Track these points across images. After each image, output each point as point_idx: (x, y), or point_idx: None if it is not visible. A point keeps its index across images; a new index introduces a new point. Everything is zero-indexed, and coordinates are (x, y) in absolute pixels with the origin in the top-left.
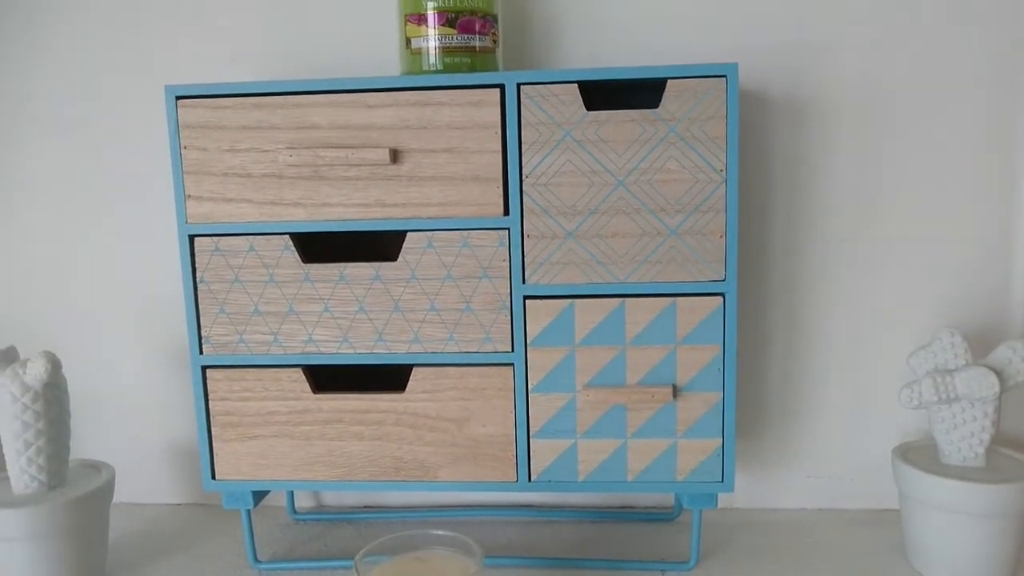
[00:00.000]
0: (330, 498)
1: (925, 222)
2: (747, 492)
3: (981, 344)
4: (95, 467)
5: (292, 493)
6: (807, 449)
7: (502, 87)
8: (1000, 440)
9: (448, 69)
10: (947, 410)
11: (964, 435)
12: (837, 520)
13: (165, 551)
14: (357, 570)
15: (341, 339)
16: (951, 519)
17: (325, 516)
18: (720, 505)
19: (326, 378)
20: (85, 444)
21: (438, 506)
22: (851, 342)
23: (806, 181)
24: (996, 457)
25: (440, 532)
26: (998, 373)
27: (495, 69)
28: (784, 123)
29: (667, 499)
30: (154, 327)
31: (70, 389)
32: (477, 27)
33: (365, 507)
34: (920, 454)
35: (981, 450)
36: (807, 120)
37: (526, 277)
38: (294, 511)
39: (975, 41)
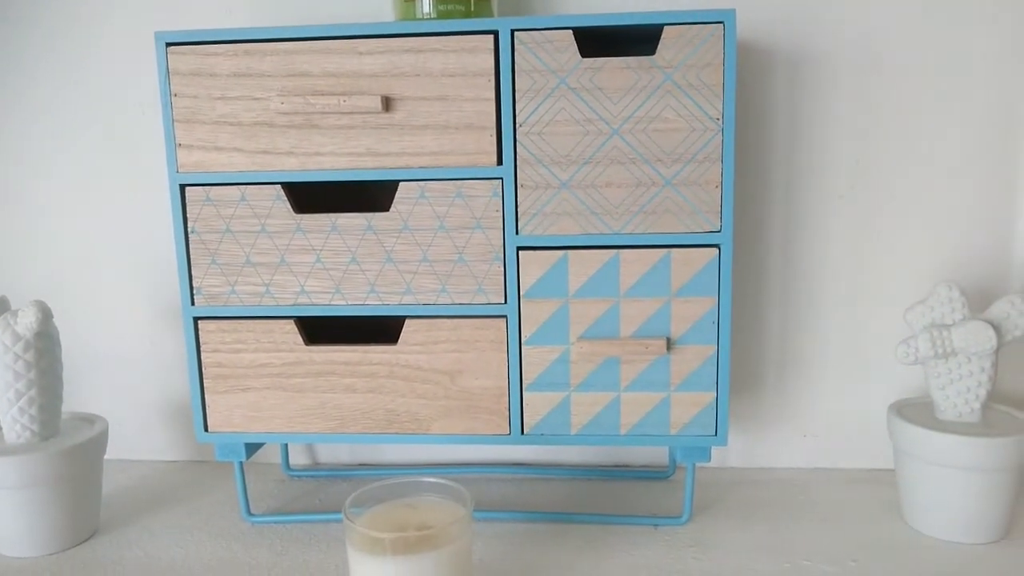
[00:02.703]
0: (324, 455)
1: (925, 177)
2: (742, 451)
3: (980, 299)
4: (88, 419)
5: (287, 449)
6: (803, 408)
7: (496, 33)
8: (996, 398)
9: (442, 17)
10: (943, 365)
11: (960, 390)
12: (832, 479)
13: (159, 505)
14: (346, 516)
15: (333, 290)
16: (946, 474)
17: (319, 473)
18: (715, 464)
19: (318, 330)
20: (79, 400)
21: (432, 463)
22: (849, 298)
23: (806, 134)
24: (992, 413)
25: (430, 480)
26: (996, 327)
27: (490, 17)
28: (784, 76)
29: (661, 458)
30: (147, 280)
31: (64, 344)
32: None
33: (360, 464)
34: (916, 410)
35: (977, 405)
36: (807, 73)
37: (519, 228)
38: (288, 467)
39: None
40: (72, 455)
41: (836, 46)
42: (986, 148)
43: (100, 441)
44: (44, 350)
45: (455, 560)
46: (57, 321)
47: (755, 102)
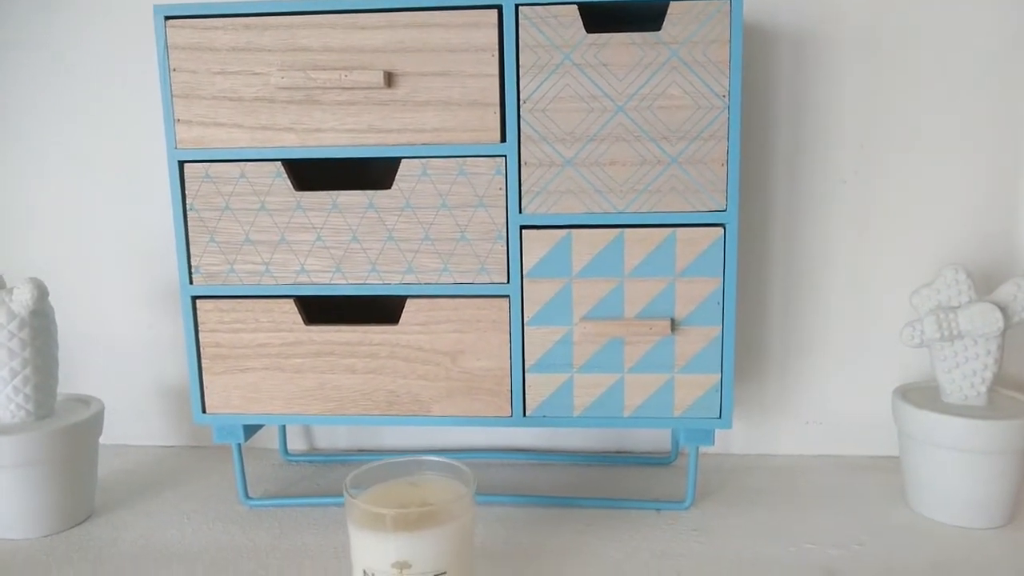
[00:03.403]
0: (323, 440)
1: (929, 160)
2: (745, 438)
3: (986, 283)
4: (84, 401)
5: (285, 434)
6: (806, 394)
7: (500, 8)
8: (1001, 382)
9: None
10: (949, 348)
11: (966, 373)
12: (836, 465)
13: (155, 489)
14: (347, 492)
15: (334, 269)
16: (951, 457)
17: (318, 458)
18: (717, 450)
19: (318, 309)
20: (74, 383)
21: (432, 448)
22: (853, 282)
23: (809, 117)
24: (997, 397)
25: (432, 458)
26: (1002, 309)
27: None
28: (788, 58)
29: (664, 444)
30: (144, 261)
31: (59, 326)
32: None
33: (358, 449)
34: (921, 394)
35: (983, 388)
36: (811, 55)
37: (523, 206)
38: (287, 452)
39: None
40: (67, 435)
41: (840, 29)
42: (991, 131)
43: (96, 422)
44: (39, 328)
45: (457, 538)
46: (53, 302)
47: (758, 84)
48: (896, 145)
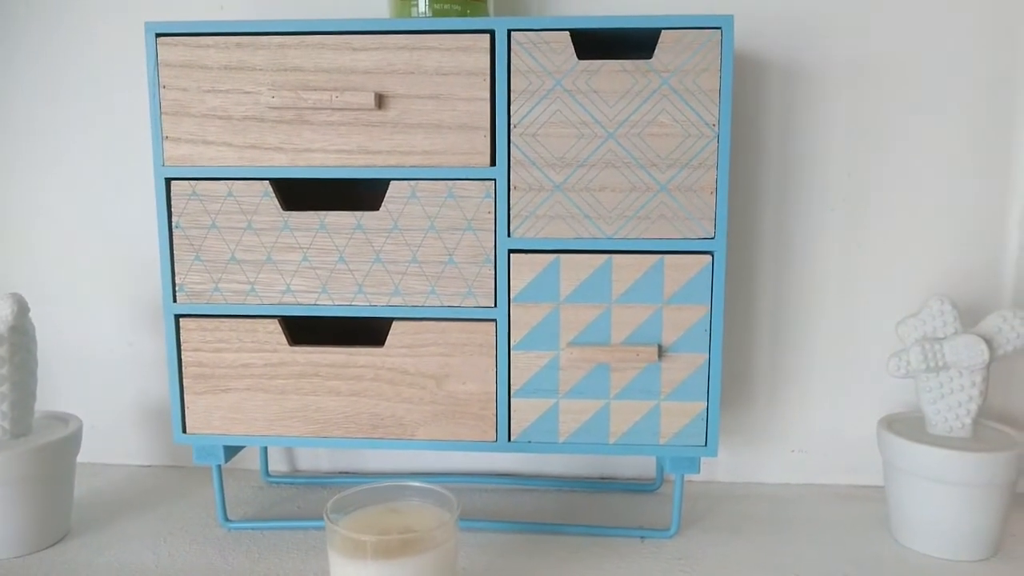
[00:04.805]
0: (304, 462)
1: (917, 191)
2: (730, 466)
3: (971, 315)
4: (62, 419)
5: (266, 456)
6: (792, 422)
7: (492, 33)
8: (986, 415)
9: (437, 15)
10: (935, 379)
11: (951, 404)
12: (821, 495)
13: (132, 509)
14: (328, 518)
15: (320, 290)
16: (936, 489)
17: (299, 480)
18: (702, 478)
19: (303, 330)
20: (52, 400)
21: (414, 472)
22: (839, 311)
23: (798, 146)
24: (982, 429)
25: (415, 484)
26: (988, 341)
27: (485, 17)
28: (777, 88)
29: (648, 470)
30: (126, 278)
31: (38, 341)
32: None
33: (340, 472)
34: (906, 425)
35: (968, 420)
36: (800, 86)
37: (511, 230)
38: (267, 474)
39: (971, 7)
40: (44, 454)
41: (830, 59)
42: (979, 162)
43: (74, 441)
44: (18, 345)
45: (439, 566)
46: (32, 318)
47: (748, 113)
48: (884, 175)
